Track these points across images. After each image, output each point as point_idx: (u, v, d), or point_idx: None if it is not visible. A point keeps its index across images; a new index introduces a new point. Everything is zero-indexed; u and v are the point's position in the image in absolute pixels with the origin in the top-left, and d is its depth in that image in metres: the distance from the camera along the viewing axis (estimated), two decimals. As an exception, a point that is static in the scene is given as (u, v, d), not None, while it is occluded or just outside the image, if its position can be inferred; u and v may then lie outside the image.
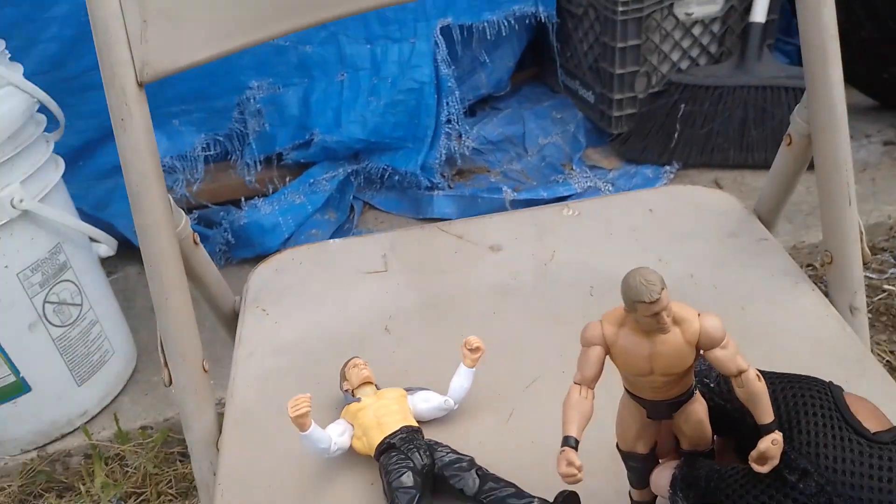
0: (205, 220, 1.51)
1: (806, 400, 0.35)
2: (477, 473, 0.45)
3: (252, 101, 1.52)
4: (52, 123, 1.13)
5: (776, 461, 0.32)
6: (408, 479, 0.44)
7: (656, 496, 0.41)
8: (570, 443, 0.34)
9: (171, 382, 0.55)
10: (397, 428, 0.48)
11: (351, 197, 1.57)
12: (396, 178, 1.53)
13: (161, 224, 0.53)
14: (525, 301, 0.63)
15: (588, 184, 1.51)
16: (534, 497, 0.42)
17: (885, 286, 1.31)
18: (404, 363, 0.58)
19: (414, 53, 1.48)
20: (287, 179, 1.55)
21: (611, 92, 1.53)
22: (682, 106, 1.50)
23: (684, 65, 1.54)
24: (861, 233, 0.57)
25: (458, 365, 0.52)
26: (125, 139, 0.52)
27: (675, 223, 0.68)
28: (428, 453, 0.46)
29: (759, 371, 0.35)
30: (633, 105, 1.55)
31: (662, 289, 0.32)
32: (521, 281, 0.65)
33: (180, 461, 1.15)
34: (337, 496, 0.48)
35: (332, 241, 0.73)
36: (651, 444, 0.38)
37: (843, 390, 0.36)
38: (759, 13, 1.46)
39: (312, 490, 0.49)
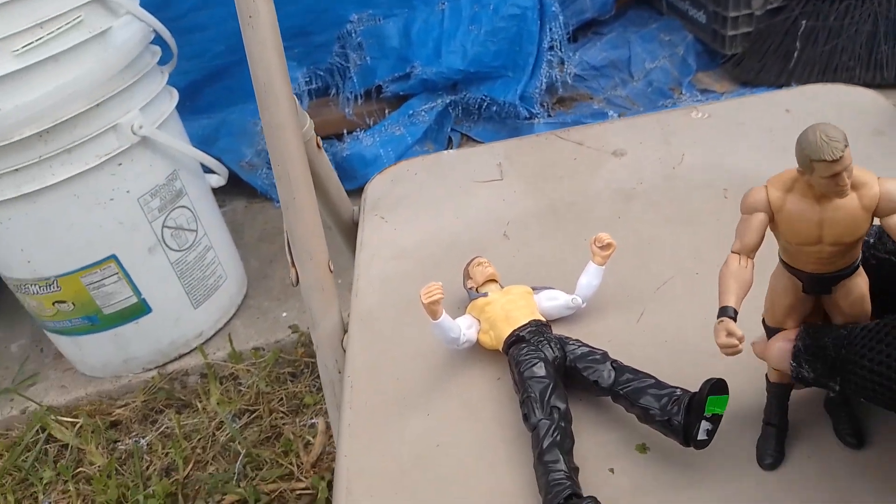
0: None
1: None
2: (612, 365, 0.43)
3: (353, 34, 1.51)
4: (165, 55, 1.16)
5: None
6: (540, 369, 0.43)
7: None
8: (728, 313, 0.32)
9: (298, 281, 0.56)
10: (526, 321, 0.47)
11: (449, 129, 1.56)
12: (495, 108, 1.50)
13: (288, 122, 0.53)
14: (653, 204, 0.60)
15: (699, 109, 1.44)
16: (675, 387, 0.41)
17: None
18: (526, 266, 0.56)
19: (517, -23, 1.43)
20: (386, 112, 1.55)
21: (725, 9, 1.44)
22: (804, 22, 1.39)
23: (807, -23, 1.43)
24: None
25: (581, 269, 0.50)
26: (253, 36, 0.51)
27: (817, 122, 0.63)
28: (559, 346, 0.45)
29: None
30: (748, 23, 1.45)
31: (846, 146, 0.28)
32: (649, 185, 0.62)
33: (290, 381, 1.19)
34: (463, 391, 0.48)
35: (445, 152, 0.72)
36: (801, 322, 0.36)
37: None
38: (897, -86, 1.32)
39: (438, 384, 0.48)
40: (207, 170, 1.24)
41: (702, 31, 1.55)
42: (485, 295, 0.50)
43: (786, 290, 0.35)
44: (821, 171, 0.29)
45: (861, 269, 0.34)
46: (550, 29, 1.47)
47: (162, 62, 1.15)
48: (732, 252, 0.33)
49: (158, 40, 1.10)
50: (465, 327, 0.48)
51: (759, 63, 1.44)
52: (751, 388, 0.43)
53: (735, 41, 1.47)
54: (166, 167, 1.10)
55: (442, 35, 1.48)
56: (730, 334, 0.31)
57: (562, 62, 1.55)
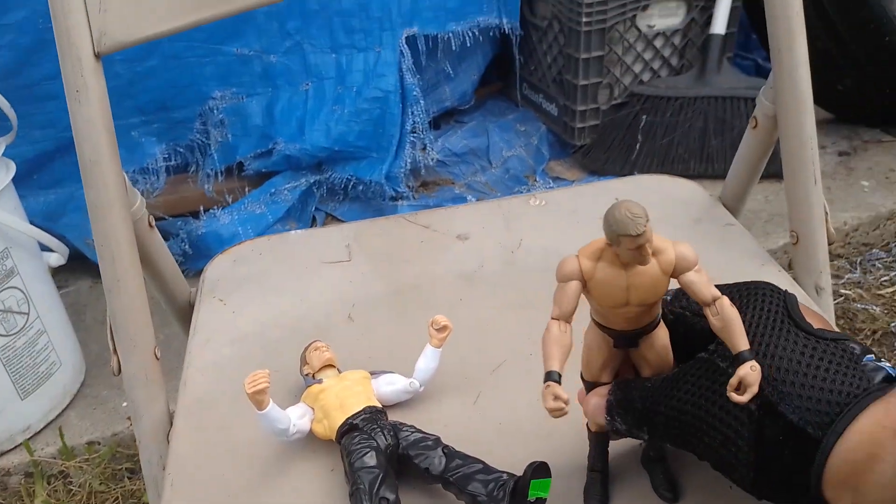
0: (162, 231, 1.45)
1: (757, 301, 0.35)
2: (443, 451, 0.43)
3: (215, 111, 1.49)
4: (4, 128, 1.09)
5: (755, 389, 0.32)
6: (370, 458, 0.42)
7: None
8: (553, 377, 0.34)
9: (119, 371, 0.52)
10: (360, 408, 0.45)
11: (313, 208, 1.55)
12: (360, 188, 1.51)
13: (114, 201, 0.50)
14: (492, 288, 0.61)
15: (551, 195, 1.51)
16: (503, 472, 0.40)
17: (842, 290, 1.33)
18: (368, 350, 0.56)
19: (379, 62, 1.48)
20: (247, 190, 1.52)
21: (574, 103, 1.54)
22: (644, 117, 1.51)
23: (646, 76, 1.56)
24: (826, 213, 0.57)
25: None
26: (79, 111, 0.49)
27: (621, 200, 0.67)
28: (392, 433, 0.44)
29: (718, 285, 0.35)
30: (595, 117, 1.56)
31: (647, 221, 0.31)
32: (489, 269, 0.63)
33: (129, 478, 1.10)
34: (295, 484, 0.45)
35: (293, 232, 0.71)
36: (615, 374, 0.39)
37: (797, 300, 0.36)
38: (720, 25, 1.48)
39: (268, 479, 0.46)
40: (47, 248, 1.15)
41: (553, 123, 1.65)
42: (320, 381, 0.48)
43: (599, 346, 0.38)
44: (626, 244, 0.32)
45: (661, 323, 0.37)
46: (412, 112, 1.52)
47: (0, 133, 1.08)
48: (552, 318, 0.35)
49: (-5, 110, 1.04)
50: (296, 417, 0.46)
51: (605, 154, 1.55)
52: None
53: (583, 133, 1.58)
54: (-5, 245, 1.01)
55: (305, 114, 1.48)
56: (556, 398, 0.33)
57: (424, 147, 1.59)
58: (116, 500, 1.07)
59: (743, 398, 0.32)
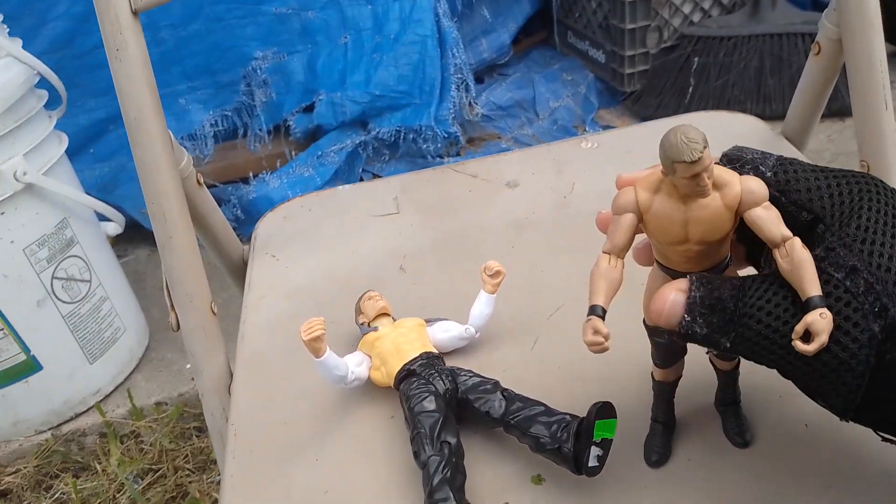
0: (214, 197, 1.48)
1: (864, 195, 0.31)
2: (503, 394, 0.42)
3: (258, 71, 1.50)
4: (55, 101, 1.11)
5: (824, 339, 0.29)
6: (430, 403, 0.42)
7: (680, 377, 0.39)
8: (596, 311, 0.32)
9: (178, 326, 0.53)
10: (417, 354, 0.45)
11: (360, 169, 1.55)
12: (412, 137, 1.51)
13: (161, 158, 0.50)
14: (544, 234, 0.60)
15: (601, 144, 1.48)
16: (565, 413, 0.40)
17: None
18: (421, 300, 0.55)
19: (415, 9, 1.46)
20: (294, 154, 1.53)
21: (622, 49, 1.49)
22: (696, 59, 1.46)
23: (696, 17, 1.50)
24: (900, 140, 0.54)
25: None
26: (121, 69, 0.49)
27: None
28: (450, 378, 0.43)
29: (816, 165, 0.32)
30: (645, 61, 1.51)
31: (705, 147, 0.29)
32: (540, 214, 0.62)
33: (196, 436, 1.13)
34: (355, 432, 0.45)
35: (341, 187, 0.70)
36: None
37: None
38: (773, -43, 1.41)
39: (329, 427, 0.46)
40: (104, 217, 1.18)
41: (601, 70, 1.60)
42: (375, 329, 0.48)
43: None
44: (681, 171, 0.29)
45: (731, 267, 0.34)
46: (453, 54, 1.50)
47: (51, 106, 1.10)
48: (603, 252, 0.33)
49: (46, 83, 1.05)
50: (354, 364, 0.46)
51: (657, 99, 1.50)
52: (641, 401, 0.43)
53: (633, 79, 1.53)
54: (55, 215, 1.04)
55: (346, 66, 1.49)
56: (596, 332, 0.31)
57: (470, 104, 1.57)
58: (186, 458, 1.10)
59: (810, 348, 0.29)
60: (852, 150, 0.55)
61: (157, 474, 1.09)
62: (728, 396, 0.40)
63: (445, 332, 0.49)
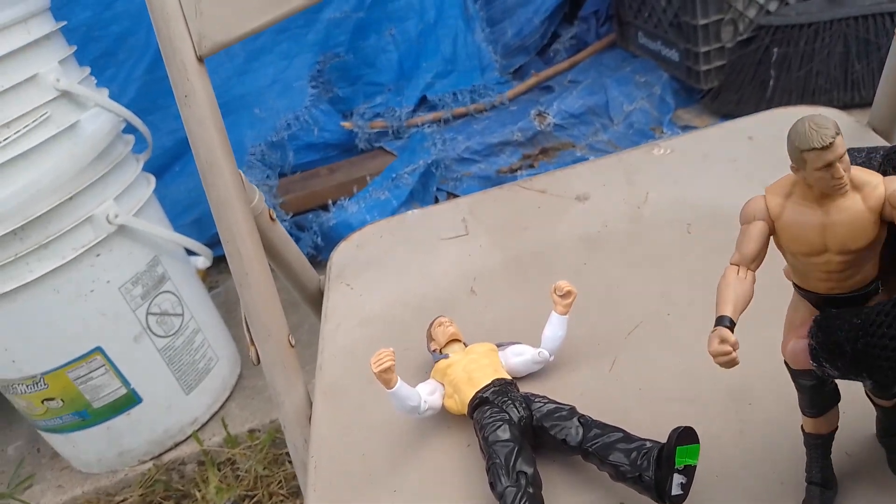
0: (296, 226, 1.53)
1: None
2: (579, 421, 0.41)
3: (323, 71, 1.62)
4: (140, 143, 1.17)
5: None
6: (504, 432, 0.41)
7: (836, 428, 0.34)
8: (724, 322, 0.29)
9: (259, 360, 0.54)
10: (489, 381, 0.44)
11: (434, 189, 1.56)
12: (469, 97, 1.68)
13: (233, 197, 0.51)
14: (619, 247, 0.58)
15: (681, 146, 1.43)
16: (645, 439, 0.38)
17: None
18: (493, 322, 0.54)
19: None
20: (369, 179, 1.56)
21: (696, 46, 1.45)
22: (775, 49, 1.40)
23: (772, 6, 1.43)
24: None
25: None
26: (190, 114, 0.51)
27: (780, 148, 0.60)
28: (524, 405, 0.42)
29: None
30: (721, 56, 1.46)
31: (837, 133, 0.26)
32: (613, 228, 0.60)
33: (289, 461, 1.16)
34: (431, 462, 0.45)
35: (410, 212, 0.71)
36: None
37: None
38: (853, -64, 1.34)
39: (406, 457, 0.46)
40: (193, 252, 1.23)
41: (676, 69, 1.56)
42: (446, 356, 0.48)
43: (804, 320, 0.31)
44: (813, 161, 0.27)
45: (881, 296, 0.31)
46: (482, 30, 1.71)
47: (138, 150, 1.16)
48: (731, 264, 0.30)
49: (132, 128, 1.11)
50: (426, 393, 0.46)
51: (737, 94, 1.44)
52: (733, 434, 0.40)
53: (710, 75, 1.48)
54: (146, 254, 1.09)
55: (400, 56, 1.67)
56: (723, 341, 0.28)
57: (541, 113, 1.56)
58: (280, 483, 1.13)
59: None
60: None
61: (254, 500, 1.12)
62: (890, 428, 0.36)
63: (518, 357, 0.48)
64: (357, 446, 0.48)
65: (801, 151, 0.27)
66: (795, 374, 0.33)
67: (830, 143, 0.26)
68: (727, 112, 1.46)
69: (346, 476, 0.46)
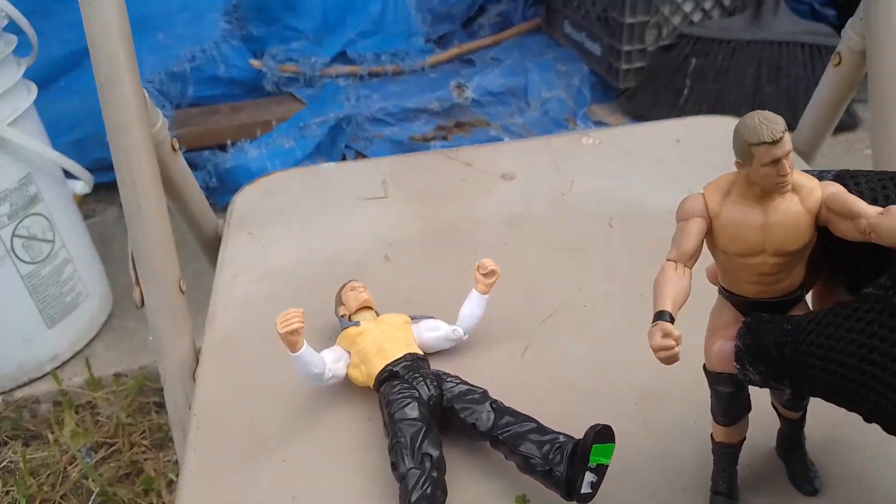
0: (188, 163, 1.43)
1: None
2: (491, 406, 0.39)
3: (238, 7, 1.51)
4: (24, 47, 1.05)
5: None
6: (412, 410, 0.38)
7: (744, 438, 0.34)
8: (664, 317, 0.28)
9: (143, 303, 0.49)
10: (401, 355, 0.42)
11: (343, 145, 1.50)
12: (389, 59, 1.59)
13: (134, 118, 0.46)
14: (541, 232, 0.57)
15: (592, 139, 1.45)
16: (558, 433, 0.37)
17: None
18: (407, 292, 0.52)
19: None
20: (274, 124, 1.48)
21: (619, 43, 1.46)
22: (694, 60, 1.43)
23: (696, 17, 1.47)
24: (919, 162, 0.52)
25: (466, 297, 0.46)
26: (94, 18, 0.45)
27: (705, 155, 0.62)
28: (435, 383, 0.40)
29: (885, 172, 0.29)
30: (642, 58, 1.48)
31: (785, 130, 0.26)
32: (536, 211, 0.59)
33: (156, 411, 1.09)
34: (329, 432, 0.42)
35: (326, 164, 0.67)
36: None
37: None
38: (779, -37, 1.39)
39: (300, 425, 0.43)
40: (71, 175, 1.13)
41: (597, 64, 1.57)
42: (357, 324, 0.45)
43: (727, 324, 0.31)
44: (761, 156, 0.26)
45: (804, 301, 0.31)
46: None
47: (20, 54, 1.04)
48: (668, 260, 0.29)
49: (15, 28, 0.99)
50: (331, 361, 0.43)
51: (652, 98, 1.48)
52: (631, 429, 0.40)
53: (629, 75, 1.50)
54: (19, 170, 0.99)
55: (325, 7, 1.59)
56: (666, 335, 0.27)
57: (460, 86, 1.53)
58: (143, 434, 1.06)
59: None
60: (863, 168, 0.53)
61: (112, 449, 1.04)
62: (793, 441, 0.36)
63: (432, 332, 0.46)
64: (246, 409, 0.44)
65: (750, 145, 0.26)
66: (713, 380, 0.33)
67: (780, 138, 0.26)
68: (640, 114, 1.49)
69: (231, 440, 0.42)
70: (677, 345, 0.27)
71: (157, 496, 0.97)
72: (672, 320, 0.28)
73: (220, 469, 0.41)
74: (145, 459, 1.02)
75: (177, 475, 0.98)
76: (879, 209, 0.26)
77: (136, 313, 1.22)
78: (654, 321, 0.28)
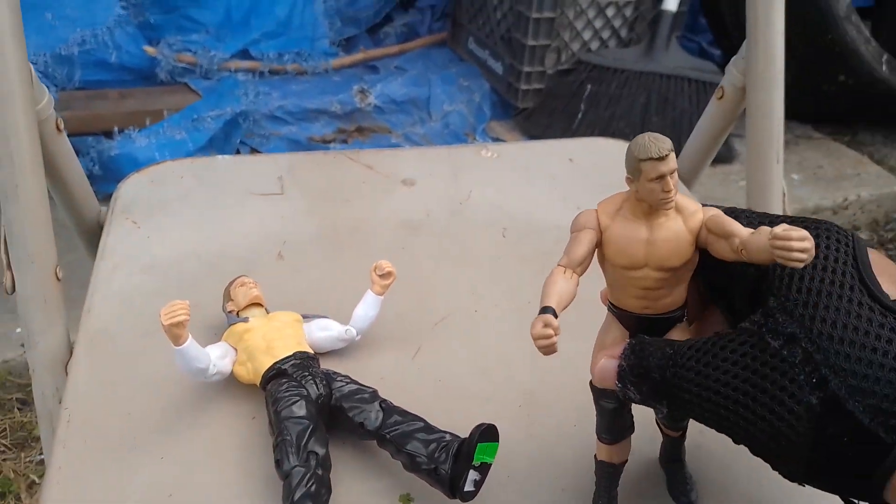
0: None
1: (819, 247, 0.29)
2: (380, 406, 0.39)
3: None
4: None
5: (808, 244, 0.26)
6: (299, 408, 0.38)
7: (626, 460, 0.36)
8: (547, 311, 0.29)
9: (14, 289, 0.46)
10: (290, 353, 0.41)
11: (238, 141, 1.46)
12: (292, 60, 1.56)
13: (17, 92, 0.43)
14: (437, 238, 0.57)
15: (489, 155, 1.48)
16: (445, 432, 0.37)
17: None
18: (300, 292, 0.51)
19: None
20: (166, 114, 1.42)
21: (521, 63, 1.51)
22: (589, 86, 1.50)
23: (594, 45, 1.54)
24: (783, 194, 0.56)
25: (360, 299, 0.46)
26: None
27: (596, 174, 0.65)
28: (325, 382, 0.40)
29: (767, 213, 0.32)
30: (540, 80, 1.54)
31: (671, 150, 0.28)
32: (434, 218, 0.59)
33: (19, 409, 1.02)
34: (210, 431, 0.41)
35: (220, 156, 0.65)
36: None
37: (866, 245, 0.30)
38: (672, 2, 1.47)
39: (180, 423, 0.41)
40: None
41: (498, 82, 1.61)
42: (245, 320, 0.44)
43: (614, 340, 0.33)
44: (648, 171, 0.29)
45: (684, 324, 0.33)
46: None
47: None
48: (558, 266, 0.31)
49: None
50: (216, 356, 0.41)
51: (548, 119, 1.53)
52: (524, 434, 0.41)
53: (527, 95, 1.55)
54: None
55: (230, 2, 1.52)
56: (546, 325, 0.29)
57: (363, 91, 1.53)
58: (4, 432, 0.99)
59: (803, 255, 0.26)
60: (738, 199, 0.57)
61: (-36, 447, 0.97)
62: (673, 454, 0.38)
63: (323, 331, 0.45)
64: (122, 404, 0.42)
65: (639, 161, 0.29)
66: (598, 396, 0.34)
67: (666, 155, 0.28)
68: (536, 133, 1.54)
69: (104, 436, 0.40)
70: (556, 335, 0.28)
71: (16, 498, 0.90)
72: (556, 316, 0.29)
73: (92, 466, 0.38)
74: (4, 460, 0.95)
75: (40, 476, 0.92)
76: (751, 230, 0.28)
77: (1, 303, 1.13)
78: (539, 314, 0.29)
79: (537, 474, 0.39)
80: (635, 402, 0.32)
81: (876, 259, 0.29)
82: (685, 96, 1.47)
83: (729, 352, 0.28)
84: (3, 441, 0.98)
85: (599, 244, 0.31)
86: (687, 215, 0.30)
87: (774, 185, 0.55)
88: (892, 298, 0.28)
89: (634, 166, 0.29)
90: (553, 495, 0.38)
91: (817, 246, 0.28)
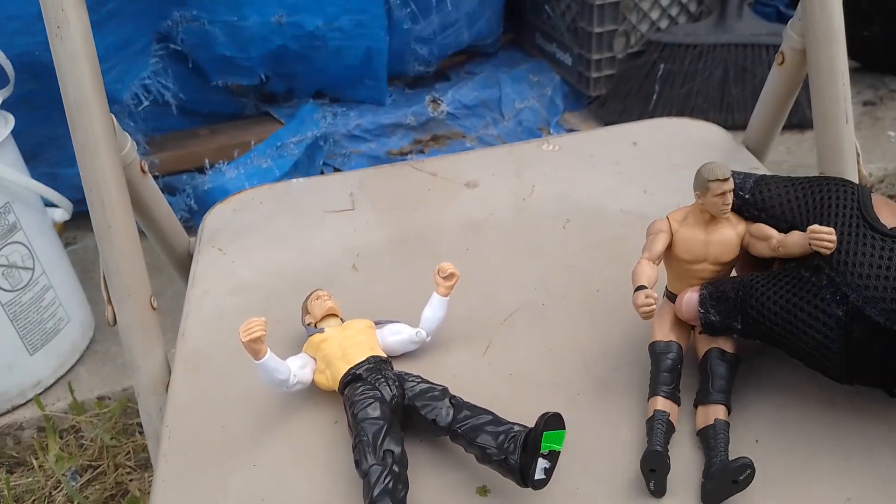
0: (168, 187, 1.44)
1: (830, 199, 0.38)
2: (451, 402, 0.40)
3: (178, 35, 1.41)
4: (1, 79, 1.06)
5: (831, 236, 0.35)
6: (374, 409, 0.40)
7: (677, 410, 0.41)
8: (643, 288, 0.39)
9: (115, 321, 0.50)
10: (364, 358, 0.43)
11: (321, 163, 1.52)
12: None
13: (101, 141, 0.47)
14: (502, 236, 0.58)
15: (566, 147, 1.47)
16: (514, 423, 0.38)
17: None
18: (374, 300, 0.53)
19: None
20: (252, 144, 1.49)
21: (589, 52, 1.49)
22: (662, 65, 1.46)
23: (663, 24, 1.50)
24: (857, 154, 0.54)
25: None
26: (61, 48, 0.46)
27: (661, 155, 0.64)
28: (397, 384, 0.42)
29: (789, 178, 0.41)
30: (611, 66, 1.51)
31: (730, 175, 0.38)
32: (499, 216, 0.60)
33: (139, 433, 1.09)
34: (295, 437, 0.43)
35: (294, 180, 0.68)
36: (685, 343, 0.42)
37: (871, 192, 0.38)
38: (740, -32, 1.42)
39: (268, 432, 0.44)
40: (51, 203, 1.14)
41: (568, 73, 1.60)
42: (321, 331, 0.46)
43: (669, 312, 0.42)
44: (714, 189, 0.38)
45: None
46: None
47: (-4, 85, 1.05)
48: (643, 258, 0.41)
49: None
50: (296, 367, 0.44)
51: (622, 104, 1.50)
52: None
53: (599, 83, 1.53)
54: (-4, 199, 1.00)
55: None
56: (647, 296, 0.38)
57: (435, 100, 1.56)
58: (128, 455, 1.06)
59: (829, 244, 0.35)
60: (811, 163, 0.55)
61: (97, 471, 1.05)
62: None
63: (395, 335, 0.47)
64: (217, 417, 0.45)
65: (708, 181, 0.38)
66: (661, 350, 0.41)
67: (727, 178, 0.38)
68: (611, 120, 1.52)
69: (202, 447, 0.43)
70: (655, 303, 0.38)
71: (143, 516, 0.97)
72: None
73: (191, 476, 0.42)
74: (130, 480, 1.02)
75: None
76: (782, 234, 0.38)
77: (118, 337, 1.23)
78: (636, 291, 0.39)
79: (609, 460, 0.39)
80: (714, 326, 0.40)
81: (878, 200, 0.38)
82: (764, 64, 1.41)
83: (777, 282, 0.38)
84: (129, 463, 1.05)
85: (669, 244, 0.41)
86: (734, 223, 0.40)
87: (846, 146, 0.53)
88: (889, 227, 0.36)
89: (703, 185, 0.38)
90: (629, 481, 0.38)
91: (829, 198, 0.38)
